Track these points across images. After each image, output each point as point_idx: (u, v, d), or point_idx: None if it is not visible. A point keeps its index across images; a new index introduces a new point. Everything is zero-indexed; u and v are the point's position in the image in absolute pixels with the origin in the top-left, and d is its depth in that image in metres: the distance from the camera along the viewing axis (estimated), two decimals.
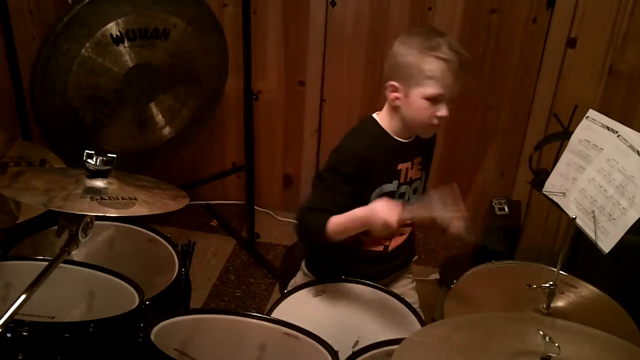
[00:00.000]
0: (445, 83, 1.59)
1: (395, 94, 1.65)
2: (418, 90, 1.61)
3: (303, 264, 1.93)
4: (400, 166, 1.73)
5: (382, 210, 1.53)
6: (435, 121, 1.63)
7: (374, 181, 1.71)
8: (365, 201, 1.67)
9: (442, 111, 1.62)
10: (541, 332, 1.05)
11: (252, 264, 2.91)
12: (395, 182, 1.73)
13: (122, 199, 1.30)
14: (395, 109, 1.68)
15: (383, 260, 1.83)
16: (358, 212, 1.59)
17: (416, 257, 2.00)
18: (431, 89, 1.59)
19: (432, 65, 1.58)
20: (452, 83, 1.59)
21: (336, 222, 1.60)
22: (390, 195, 1.72)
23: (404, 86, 1.63)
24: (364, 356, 1.41)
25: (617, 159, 1.59)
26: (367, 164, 1.67)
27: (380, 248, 1.81)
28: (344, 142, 1.74)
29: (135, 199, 1.32)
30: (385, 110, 1.72)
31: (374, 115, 1.75)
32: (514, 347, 1.12)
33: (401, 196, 1.76)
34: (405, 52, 1.61)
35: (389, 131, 1.72)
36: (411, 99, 1.63)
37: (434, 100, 1.60)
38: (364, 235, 1.75)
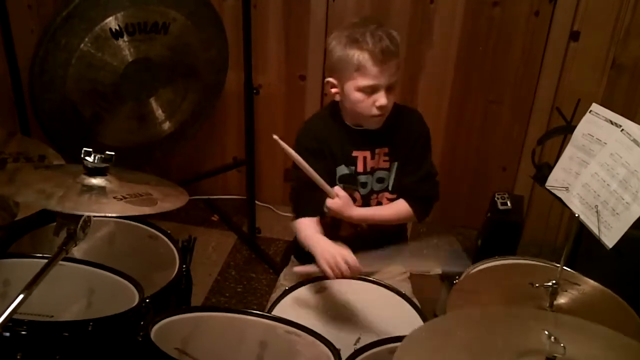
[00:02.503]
0: (373, 72, 1.61)
1: (334, 90, 1.70)
2: (350, 83, 1.64)
3: (292, 256, 1.95)
4: (355, 153, 1.75)
5: (325, 252, 1.61)
6: (375, 111, 1.65)
7: (332, 161, 1.74)
8: (331, 183, 1.72)
9: (380, 100, 1.63)
10: (546, 332, 1.03)
11: (253, 259, 2.90)
12: (352, 168, 1.75)
13: (139, 195, 1.31)
14: (341, 102, 1.73)
15: (363, 240, 1.80)
16: (314, 240, 1.68)
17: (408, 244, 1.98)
18: (361, 81, 1.62)
19: (356, 57, 1.61)
20: (379, 72, 1.60)
21: (301, 228, 1.73)
22: (350, 179, 1.75)
23: (339, 81, 1.68)
24: (366, 354, 1.40)
25: (621, 153, 1.58)
26: (323, 141, 1.73)
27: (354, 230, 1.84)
28: (306, 121, 1.84)
29: (151, 194, 1.33)
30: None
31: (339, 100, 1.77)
32: (519, 344, 1.10)
33: (363, 185, 1.77)
34: (334, 47, 1.66)
35: (345, 117, 1.75)
36: (347, 92, 1.66)
37: (367, 91, 1.63)
38: (338, 220, 1.79)
